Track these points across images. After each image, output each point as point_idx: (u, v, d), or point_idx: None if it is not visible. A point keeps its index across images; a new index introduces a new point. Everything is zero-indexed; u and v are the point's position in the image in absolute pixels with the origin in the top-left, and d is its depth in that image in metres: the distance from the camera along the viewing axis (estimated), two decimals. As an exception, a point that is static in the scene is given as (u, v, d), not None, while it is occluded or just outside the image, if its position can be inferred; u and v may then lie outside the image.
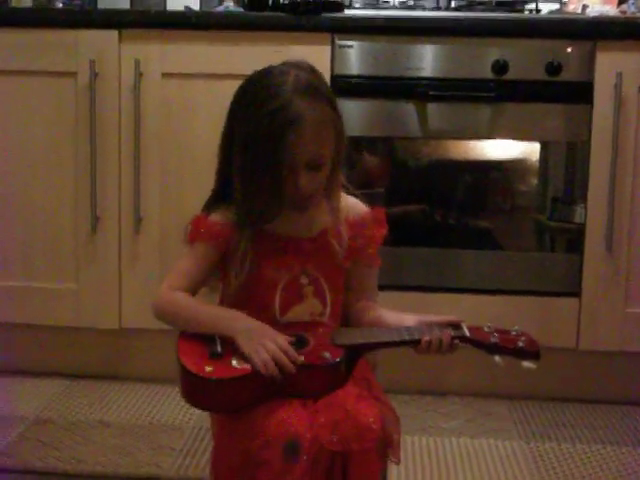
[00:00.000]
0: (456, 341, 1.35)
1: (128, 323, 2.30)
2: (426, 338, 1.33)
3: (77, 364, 2.37)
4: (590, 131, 2.18)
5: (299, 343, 1.33)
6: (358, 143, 2.27)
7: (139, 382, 2.33)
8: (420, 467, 1.90)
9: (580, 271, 2.22)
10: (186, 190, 2.25)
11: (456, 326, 1.37)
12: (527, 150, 2.32)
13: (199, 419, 2.08)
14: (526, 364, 1.35)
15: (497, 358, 1.35)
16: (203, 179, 2.17)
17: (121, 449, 1.94)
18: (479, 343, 1.36)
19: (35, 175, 2.28)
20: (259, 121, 1.30)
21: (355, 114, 2.22)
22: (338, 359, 1.31)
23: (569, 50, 2.18)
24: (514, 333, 1.38)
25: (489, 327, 1.39)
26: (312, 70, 1.38)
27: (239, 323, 1.33)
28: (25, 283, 2.31)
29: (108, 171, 2.25)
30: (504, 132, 2.26)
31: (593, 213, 2.20)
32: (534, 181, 2.36)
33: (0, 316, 2.32)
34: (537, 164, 2.33)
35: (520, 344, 1.36)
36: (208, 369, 1.29)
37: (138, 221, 2.26)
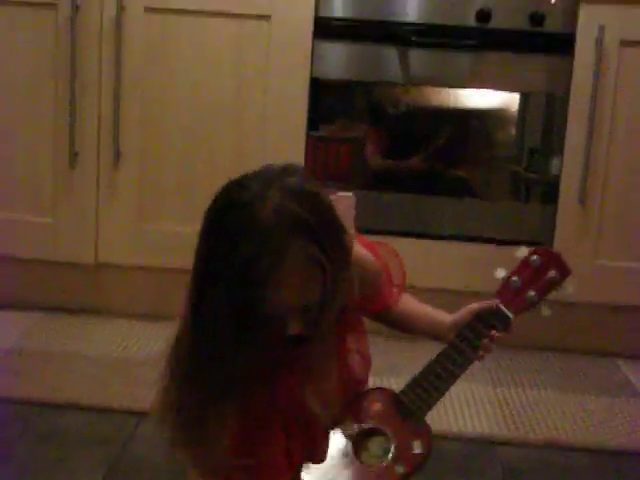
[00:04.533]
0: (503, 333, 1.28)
1: (104, 258, 2.31)
2: (480, 353, 1.29)
3: (54, 298, 2.38)
4: (570, 83, 2.20)
5: (384, 449, 1.27)
6: (339, 86, 2.28)
7: (115, 316, 2.35)
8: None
9: (553, 222, 2.25)
10: (167, 126, 2.25)
11: (495, 310, 1.29)
12: (507, 100, 2.33)
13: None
14: (569, 288, 1.26)
15: (546, 311, 1.29)
16: (184, 114, 2.23)
17: (96, 380, 1.97)
18: (524, 310, 1.29)
19: (14, 109, 2.26)
20: (231, 267, 1.04)
21: (336, 57, 2.23)
22: (428, 451, 1.26)
23: (553, 1, 2.18)
24: (533, 261, 1.26)
25: (514, 280, 1.27)
26: (299, 189, 1.07)
27: None
28: (2, 215, 2.30)
29: (87, 106, 2.23)
30: (485, 81, 2.27)
31: (568, 165, 2.22)
32: (512, 131, 2.37)
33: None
34: (516, 115, 2.34)
35: (552, 273, 1.25)
36: None
37: (117, 156, 2.25)
